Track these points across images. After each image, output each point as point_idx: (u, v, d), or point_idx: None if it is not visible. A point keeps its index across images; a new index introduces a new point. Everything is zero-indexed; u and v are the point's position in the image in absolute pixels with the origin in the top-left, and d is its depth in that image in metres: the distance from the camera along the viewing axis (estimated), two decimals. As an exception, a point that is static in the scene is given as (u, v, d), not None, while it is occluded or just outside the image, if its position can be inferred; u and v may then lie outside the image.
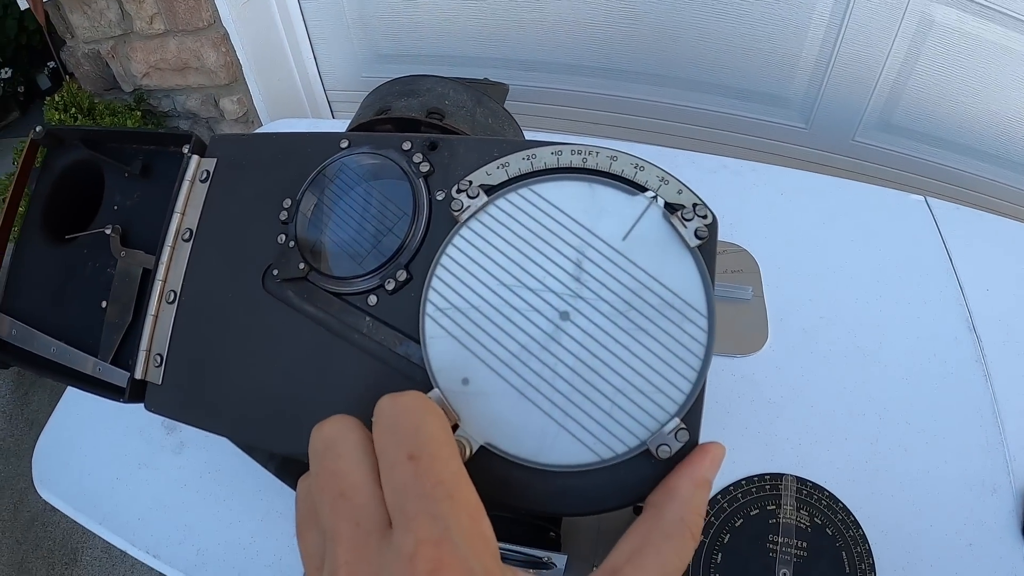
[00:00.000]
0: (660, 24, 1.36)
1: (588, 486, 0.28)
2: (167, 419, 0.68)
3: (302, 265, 0.35)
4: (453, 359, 0.30)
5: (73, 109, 1.72)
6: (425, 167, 0.35)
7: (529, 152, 0.33)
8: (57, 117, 1.71)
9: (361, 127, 0.50)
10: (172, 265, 0.39)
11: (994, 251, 0.72)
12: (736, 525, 0.54)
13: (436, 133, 0.43)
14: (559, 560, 0.47)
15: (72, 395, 0.74)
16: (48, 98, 1.77)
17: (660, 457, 0.28)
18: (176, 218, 0.40)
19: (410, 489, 0.23)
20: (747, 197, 0.78)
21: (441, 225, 0.34)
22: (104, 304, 0.43)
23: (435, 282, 0.32)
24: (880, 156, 1.37)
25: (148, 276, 0.41)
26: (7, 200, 0.47)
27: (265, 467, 0.49)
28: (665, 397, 0.28)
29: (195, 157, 0.41)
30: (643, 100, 1.51)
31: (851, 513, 0.54)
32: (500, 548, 0.28)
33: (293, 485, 0.51)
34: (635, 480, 0.28)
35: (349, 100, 1.84)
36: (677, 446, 0.27)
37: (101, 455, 0.68)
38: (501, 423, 0.29)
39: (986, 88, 1.19)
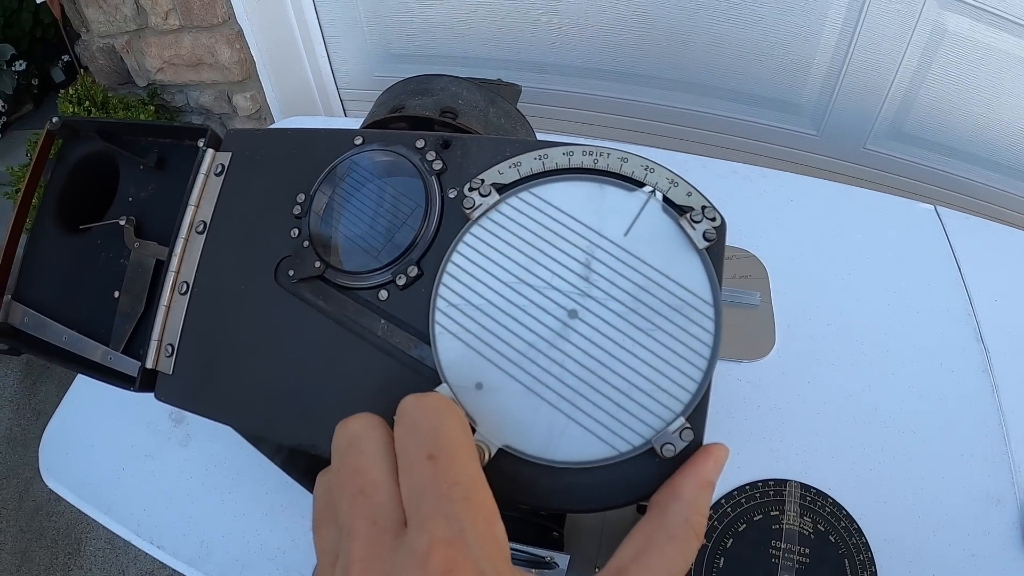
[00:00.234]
0: (672, 28, 1.36)
1: (593, 483, 0.29)
2: (174, 412, 0.69)
3: (318, 264, 0.35)
4: (461, 355, 0.30)
5: (87, 102, 1.74)
6: (438, 165, 0.35)
7: (541, 152, 0.33)
8: (71, 110, 1.72)
9: (375, 124, 0.50)
10: (185, 257, 0.40)
11: (1003, 261, 0.71)
12: (739, 530, 0.54)
13: (449, 132, 0.43)
14: (562, 560, 0.47)
15: (80, 386, 0.75)
16: (62, 91, 1.78)
17: (664, 456, 0.28)
18: (190, 210, 0.40)
19: (427, 488, 0.23)
20: (757, 203, 0.78)
21: (453, 222, 0.34)
22: (117, 294, 0.43)
23: (446, 278, 0.32)
24: (891, 164, 1.36)
25: (161, 267, 0.41)
26: (22, 190, 0.48)
27: (272, 460, 0.49)
28: (671, 396, 0.29)
29: (210, 151, 0.41)
30: (655, 104, 1.51)
31: (854, 521, 0.54)
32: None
33: (299, 479, 0.51)
34: (639, 478, 0.28)
35: (361, 99, 1.84)
36: (681, 445, 0.28)
37: (108, 446, 0.68)
38: (509, 420, 0.29)
39: (998, 98, 1.19)
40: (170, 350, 0.38)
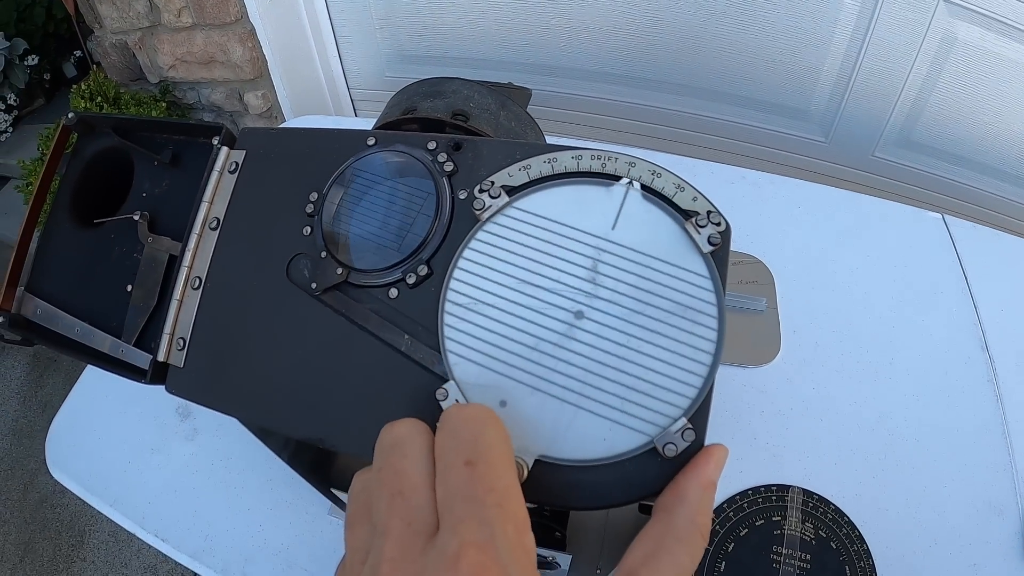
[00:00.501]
0: (683, 34, 1.36)
1: (596, 481, 0.29)
2: (181, 406, 0.69)
3: (340, 271, 0.36)
4: (478, 374, 0.31)
5: (99, 98, 1.75)
6: (449, 166, 0.36)
7: (550, 156, 0.34)
8: (83, 105, 1.73)
9: (387, 126, 0.51)
10: (198, 252, 0.40)
11: (1010, 271, 0.71)
12: (741, 535, 0.54)
13: (460, 134, 0.44)
14: (563, 560, 0.48)
15: (88, 379, 0.75)
16: (74, 86, 1.79)
17: (666, 455, 0.28)
18: (204, 207, 0.41)
19: (462, 492, 0.23)
20: (764, 209, 0.78)
21: (462, 223, 0.34)
22: (129, 288, 0.44)
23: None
24: (899, 172, 1.36)
25: (174, 262, 0.42)
26: (34, 184, 0.48)
27: (279, 455, 0.50)
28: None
29: (225, 148, 0.42)
30: (664, 109, 1.51)
31: (856, 528, 0.54)
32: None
33: (304, 475, 0.52)
34: (641, 477, 0.29)
35: (372, 99, 1.85)
36: (683, 445, 0.28)
37: (114, 439, 0.69)
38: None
39: (1008, 107, 1.19)
40: (181, 343, 0.39)
